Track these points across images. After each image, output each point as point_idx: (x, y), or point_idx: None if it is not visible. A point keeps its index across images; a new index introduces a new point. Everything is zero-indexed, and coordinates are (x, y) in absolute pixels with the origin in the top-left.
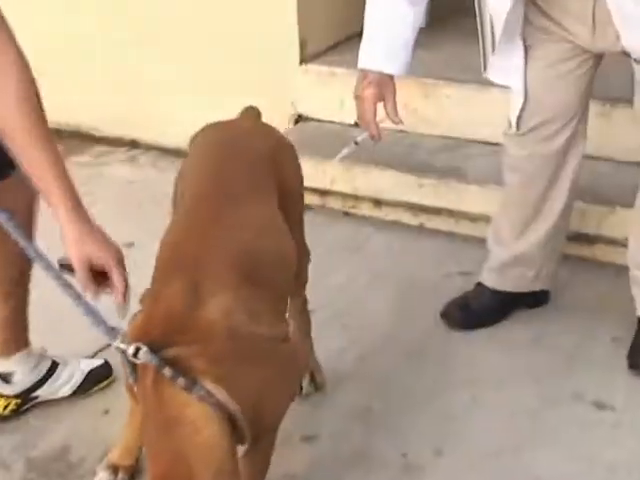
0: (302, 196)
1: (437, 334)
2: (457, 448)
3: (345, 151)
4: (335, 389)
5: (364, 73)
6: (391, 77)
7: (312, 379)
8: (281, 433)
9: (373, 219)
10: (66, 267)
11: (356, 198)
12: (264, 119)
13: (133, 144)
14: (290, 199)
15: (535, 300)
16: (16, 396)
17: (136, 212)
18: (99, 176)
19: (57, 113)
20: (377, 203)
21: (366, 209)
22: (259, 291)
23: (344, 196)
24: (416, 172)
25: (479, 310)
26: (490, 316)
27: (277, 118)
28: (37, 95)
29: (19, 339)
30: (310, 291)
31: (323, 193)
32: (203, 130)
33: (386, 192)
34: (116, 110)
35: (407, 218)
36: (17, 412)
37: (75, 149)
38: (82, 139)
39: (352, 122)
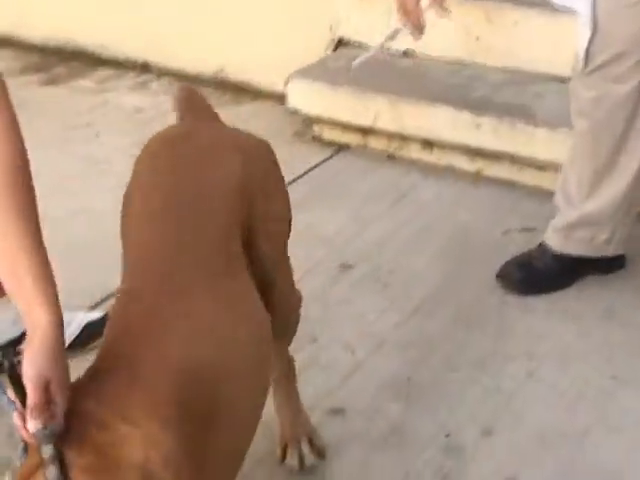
0: (288, 226)
1: (491, 299)
2: (508, 429)
3: (374, 50)
4: (370, 356)
5: None
6: None
7: (311, 445)
8: (305, 404)
9: (422, 163)
10: (7, 367)
11: (403, 138)
12: (299, 46)
13: (145, 68)
14: (270, 233)
15: (607, 266)
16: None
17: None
18: (103, 104)
19: (57, 30)
20: (427, 145)
21: (414, 151)
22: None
23: (389, 135)
24: (474, 109)
25: (541, 273)
26: (554, 282)
27: (314, 44)
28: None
29: None
30: (347, 245)
31: (365, 131)
32: (149, 148)
33: (438, 132)
34: (126, 28)
35: (462, 163)
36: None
37: (77, 72)
38: (85, 61)
39: (402, 50)
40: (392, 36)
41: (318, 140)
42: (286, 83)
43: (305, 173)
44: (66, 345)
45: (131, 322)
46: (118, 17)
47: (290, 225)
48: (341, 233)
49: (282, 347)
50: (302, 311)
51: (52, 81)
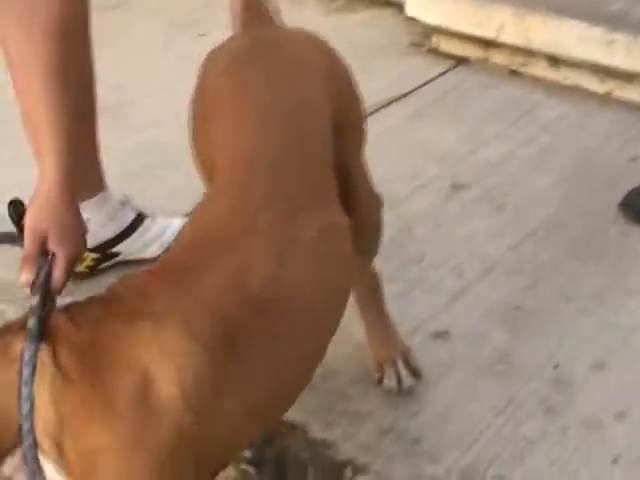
0: (363, 128)
1: (613, 229)
2: (622, 365)
3: None
4: (478, 281)
5: None
6: None
7: (406, 365)
8: (405, 326)
9: (547, 81)
10: (12, 214)
11: (527, 53)
12: None
13: None
14: (353, 138)
15: None
16: (93, 249)
17: None
18: (208, 3)
19: None
20: (554, 61)
21: (539, 68)
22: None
23: (513, 50)
24: (607, 24)
25: None
26: None
27: None
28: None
29: (90, 181)
30: (461, 164)
31: (486, 44)
32: (221, 56)
33: (566, 48)
34: None
35: (590, 83)
36: (95, 270)
37: None
38: None
39: None
40: None
41: (435, 52)
42: None
43: (420, 86)
44: (160, 252)
45: (206, 229)
46: None
47: (365, 126)
48: (456, 150)
49: (366, 261)
50: (409, 230)
51: None
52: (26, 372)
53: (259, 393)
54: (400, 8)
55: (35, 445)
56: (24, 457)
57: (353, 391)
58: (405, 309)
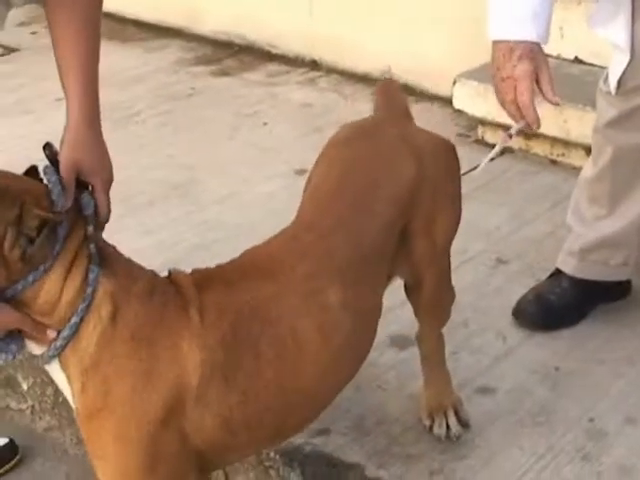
0: (453, 230)
1: None
2: None
3: (494, 152)
4: (521, 344)
5: (507, 46)
6: (539, 45)
7: (457, 417)
8: (454, 382)
9: None
10: (48, 154)
11: (566, 144)
12: (465, 48)
13: (314, 65)
14: (430, 236)
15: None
16: None
17: (312, 138)
18: (272, 97)
19: (229, 25)
20: (591, 151)
21: (577, 158)
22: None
23: (553, 140)
24: None
25: (556, 305)
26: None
27: (481, 46)
28: None
29: None
30: (504, 241)
31: (528, 135)
32: (337, 136)
33: None
34: (297, 25)
35: None
36: None
37: (248, 66)
38: (257, 55)
39: (572, 57)
40: (513, 134)
41: (481, 142)
42: (453, 84)
43: (467, 172)
44: None
45: (266, 253)
46: (288, 15)
47: (456, 228)
48: (500, 229)
49: (431, 330)
50: (457, 298)
51: (223, 72)
52: (88, 290)
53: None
54: (447, 101)
55: None
56: None
57: (406, 436)
58: (452, 368)
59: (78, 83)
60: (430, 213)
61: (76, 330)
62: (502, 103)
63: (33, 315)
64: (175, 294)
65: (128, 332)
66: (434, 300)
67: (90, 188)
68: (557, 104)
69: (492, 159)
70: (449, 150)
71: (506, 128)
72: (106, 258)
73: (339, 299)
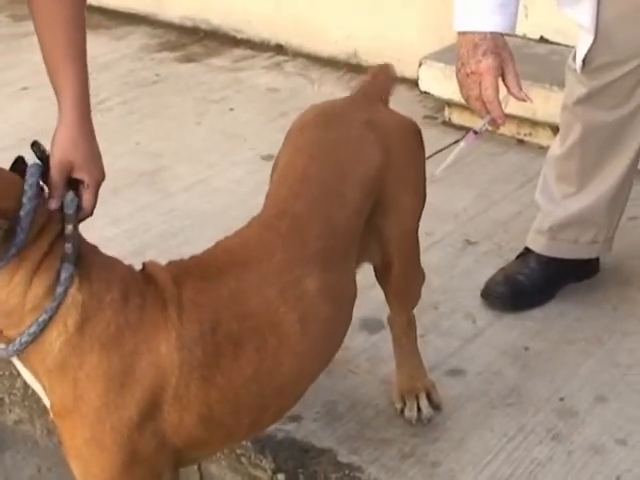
0: (419, 210)
1: (613, 279)
2: (623, 397)
3: (458, 149)
4: (490, 326)
5: (472, 42)
6: (504, 39)
7: (429, 399)
8: (425, 365)
9: None
10: (37, 153)
11: (533, 124)
12: (431, 30)
13: (279, 49)
14: (397, 218)
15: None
16: None
17: (279, 123)
18: (237, 82)
19: (195, 10)
20: (558, 131)
21: (544, 138)
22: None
23: (519, 121)
24: None
25: (525, 285)
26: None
27: (446, 28)
28: None
29: None
30: (472, 222)
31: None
32: (302, 117)
33: None
34: (262, 10)
35: None
36: None
37: (213, 52)
38: (222, 41)
39: (537, 37)
40: (481, 124)
41: (448, 124)
42: (419, 66)
43: (434, 154)
44: None
45: (239, 244)
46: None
47: (422, 209)
48: (467, 210)
49: (401, 312)
50: (425, 281)
51: (189, 59)
52: (59, 290)
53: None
54: (414, 83)
55: None
56: None
57: (378, 421)
58: (422, 350)
59: (69, 81)
60: (396, 196)
61: (39, 333)
62: (467, 99)
63: (2, 311)
64: (152, 294)
65: (97, 342)
66: (404, 282)
67: (84, 186)
68: (524, 100)
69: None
70: (414, 133)
71: (473, 110)
72: (83, 259)
73: (317, 288)
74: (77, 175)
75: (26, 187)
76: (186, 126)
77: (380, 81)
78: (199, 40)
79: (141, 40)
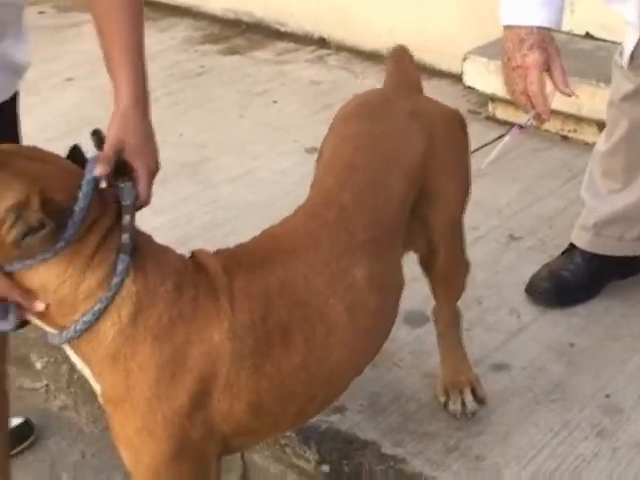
0: (464, 199)
1: None
2: None
3: (503, 144)
4: (535, 321)
5: (518, 36)
6: (551, 34)
7: (473, 393)
8: (470, 358)
9: None
10: (96, 141)
11: (578, 120)
12: (476, 25)
13: (322, 43)
14: (442, 206)
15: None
16: None
17: (322, 116)
18: (281, 75)
19: (237, 3)
20: (603, 127)
21: (589, 134)
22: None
23: (564, 117)
24: None
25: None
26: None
27: (491, 22)
28: None
29: None
30: (516, 217)
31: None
32: (346, 108)
33: None
34: (304, 4)
35: None
36: None
37: (257, 44)
38: (265, 34)
39: (583, 33)
40: (527, 118)
41: (492, 119)
42: (463, 60)
43: (477, 149)
44: None
45: (286, 232)
46: None
47: (466, 198)
48: (511, 206)
49: (446, 303)
50: (470, 276)
51: (232, 51)
52: (115, 280)
53: (291, 385)
54: (458, 78)
55: None
56: None
57: (421, 414)
58: (467, 345)
59: (126, 67)
60: (441, 185)
61: (93, 322)
62: (512, 93)
63: (52, 299)
64: (204, 284)
65: (150, 333)
66: (449, 271)
67: (137, 175)
68: (570, 95)
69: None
70: (458, 122)
71: (517, 105)
72: (138, 250)
73: (364, 277)
74: (130, 160)
75: (83, 182)
76: (230, 118)
77: (408, 67)
78: (242, 33)
79: (185, 32)
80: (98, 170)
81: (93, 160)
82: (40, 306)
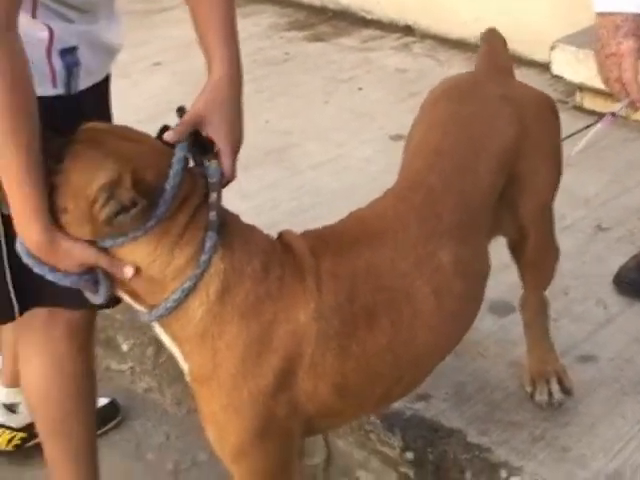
0: (554, 185)
1: None
2: None
3: (594, 131)
4: (622, 312)
5: (613, 23)
6: None
7: (560, 384)
8: (557, 349)
9: None
10: (179, 113)
11: None
12: (563, 13)
13: (408, 30)
14: (532, 191)
15: None
16: (21, 429)
17: (408, 103)
18: (366, 62)
19: None
20: None
21: None
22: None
23: None
24: None
25: None
26: None
27: (579, 11)
28: None
29: None
30: (604, 208)
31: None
32: (435, 91)
33: None
34: None
35: None
36: (21, 448)
37: (342, 31)
38: (351, 21)
39: None
40: (620, 106)
41: (580, 109)
42: (551, 49)
43: (564, 139)
44: None
45: (374, 214)
46: None
47: (558, 183)
48: (599, 196)
49: (535, 290)
50: (557, 266)
51: (317, 38)
52: (203, 258)
53: (376, 367)
54: (545, 67)
55: None
56: None
57: (507, 403)
58: (553, 335)
59: (220, 45)
60: (532, 170)
61: (183, 300)
62: (605, 81)
63: (142, 278)
64: (291, 264)
65: (237, 312)
66: (539, 256)
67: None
68: None
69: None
70: (550, 107)
71: (606, 95)
72: (226, 228)
73: (451, 261)
74: (212, 135)
75: (174, 160)
76: (315, 105)
77: (500, 51)
78: (328, 20)
79: (270, 19)
80: (170, 135)
81: (183, 145)
82: (129, 271)
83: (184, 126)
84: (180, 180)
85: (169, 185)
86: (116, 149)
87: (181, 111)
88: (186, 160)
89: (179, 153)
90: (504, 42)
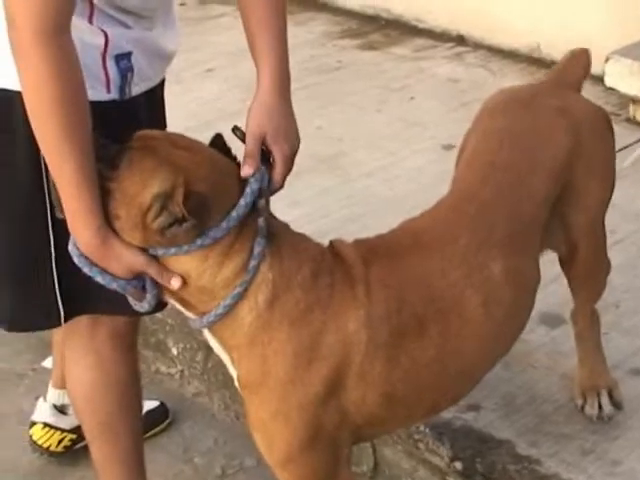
0: (607, 199)
1: None
2: None
3: None
4: None
5: None
6: None
7: (611, 397)
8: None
9: None
10: (240, 136)
11: None
12: (617, 25)
13: (460, 40)
14: (584, 205)
15: None
16: (71, 430)
17: (460, 113)
18: (419, 71)
19: (376, 0)
20: None
21: None
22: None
23: None
24: None
25: None
26: None
27: (633, 22)
28: None
29: None
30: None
31: None
32: (491, 101)
33: None
34: (443, 1)
35: None
36: (71, 449)
37: (394, 40)
38: (403, 30)
39: None
40: None
41: (632, 121)
42: (605, 61)
43: (617, 152)
44: None
45: (425, 225)
46: None
47: (610, 197)
48: None
49: (586, 303)
50: (607, 279)
51: (370, 46)
52: (252, 263)
53: (424, 376)
54: (598, 79)
55: None
56: None
57: (557, 415)
58: (604, 349)
59: (268, 50)
60: (585, 184)
61: (232, 306)
62: None
63: (192, 287)
64: (341, 273)
65: (287, 319)
66: (590, 270)
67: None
68: None
69: None
70: (605, 121)
71: None
72: (275, 236)
73: (501, 272)
74: (268, 145)
75: (247, 191)
76: (367, 113)
77: (573, 67)
78: (380, 28)
79: (323, 26)
80: (245, 170)
81: (260, 171)
82: (177, 283)
83: (254, 159)
84: (247, 210)
85: (236, 213)
86: (170, 158)
87: (236, 130)
88: (260, 191)
89: (254, 185)
90: (587, 60)
